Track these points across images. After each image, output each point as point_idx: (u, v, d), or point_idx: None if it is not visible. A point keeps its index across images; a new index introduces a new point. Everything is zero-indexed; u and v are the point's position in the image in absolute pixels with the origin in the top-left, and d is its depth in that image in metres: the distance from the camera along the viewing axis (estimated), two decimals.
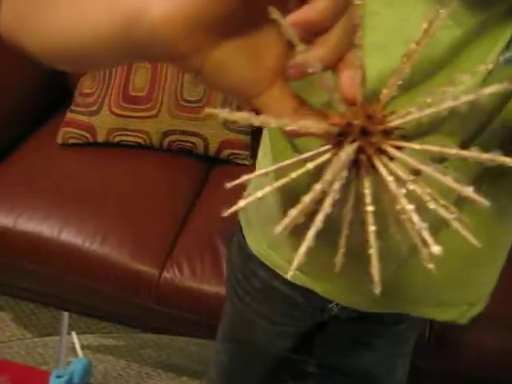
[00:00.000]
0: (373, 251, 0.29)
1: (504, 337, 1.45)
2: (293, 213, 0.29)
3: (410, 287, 0.75)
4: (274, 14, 0.29)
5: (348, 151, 0.29)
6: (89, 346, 1.05)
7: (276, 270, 0.80)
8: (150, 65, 1.75)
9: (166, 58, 0.32)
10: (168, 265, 1.52)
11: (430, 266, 0.27)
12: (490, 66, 0.31)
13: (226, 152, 1.76)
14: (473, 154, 0.28)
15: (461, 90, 0.50)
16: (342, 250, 0.33)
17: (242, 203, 0.30)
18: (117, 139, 1.77)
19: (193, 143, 1.76)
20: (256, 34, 0.31)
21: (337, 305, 0.82)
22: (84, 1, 0.33)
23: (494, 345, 1.45)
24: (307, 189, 0.30)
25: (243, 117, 0.30)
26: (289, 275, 0.29)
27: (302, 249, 0.29)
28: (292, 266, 0.29)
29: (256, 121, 0.30)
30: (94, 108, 1.76)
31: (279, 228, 0.29)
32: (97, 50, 0.33)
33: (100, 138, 1.77)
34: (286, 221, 0.29)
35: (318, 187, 0.29)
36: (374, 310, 0.80)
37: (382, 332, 0.89)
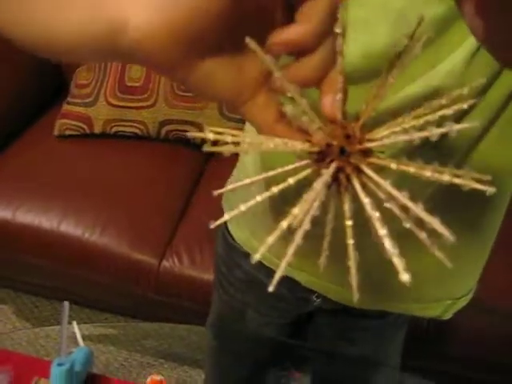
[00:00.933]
0: (351, 263, 0.29)
1: (501, 322, 1.46)
2: (270, 240, 0.29)
3: (389, 285, 0.74)
4: (251, 44, 0.29)
5: (323, 179, 0.30)
6: (90, 337, 1.05)
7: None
8: None
9: (150, 68, 0.32)
10: (167, 254, 1.53)
11: (405, 278, 0.27)
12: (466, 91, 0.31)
13: None
14: (446, 177, 0.28)
15: (446, 69, 0.50)
16: (325, 253, 0.34)
17: (226, 216, 0.30)
18: (114, 130, 1.77)
19: None
20: (239, 45, 0.31)
21: (318, 297, 0.82)
22: (68, 5, 0.34)
23: (492, 330, 1.46)
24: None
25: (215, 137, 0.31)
26: (255, 258, 0.29)
27: (282, 266, 0.29)
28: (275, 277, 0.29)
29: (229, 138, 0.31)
30: (90, 99, 1.75)
31: (255, 258, 0.29)
32: (80, 52, 0.34)
33: (97, 129, 1.76)
34: (263, 249, 0.29)
35: (295, 212, 0.29)
36: (354, 305, 0.79)
37: (368, 326, 0.88)
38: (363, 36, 0.50)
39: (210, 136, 0.31)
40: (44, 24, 0.35)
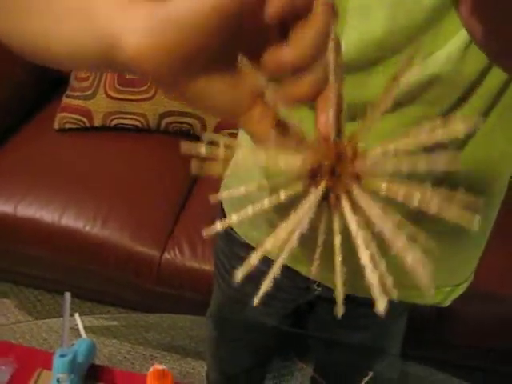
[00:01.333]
0: (338, 279, 0.31)
1: (500, 308, 1.47)
2: (253, 260, 0.31)
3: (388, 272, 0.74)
4: (244, 63, 0.30)
5: (311, 200, 0.30)
6: (93, 330, 1.05)
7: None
8: None
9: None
10: (169, 246, 1.53)
11: (381, 307, 0.27)
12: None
13: (224, 132, 1.75)
14: (433, 209, 0.29)
15: (444, 55, 0.50)
16: (317, 262, 0.34)
17: (219, 225, 0.31)
18: (114, 122, 1.77)
19: (190, 124, 1.76)
20: (233, 61, 0.31)
21: (318, 285, 0.82)
22: (64, 16, 0.35)
23: (491, 316, 1.47)
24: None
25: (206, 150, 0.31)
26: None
27: (276, 266, 0.30)
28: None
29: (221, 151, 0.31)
30: (89, 92, 1.75)
31: (239, 275, 0.31)
32: (77, 63, 0.36)
33: (97, 122, 1.76)
34: (247, 266, 0.31)
35: (279, 234, 0.30)
36: (354, 294, 0.79)
37: (369, 314, 0.88)
38: (359, 21, 0.49)
39: (202, 150, 0.31)
40: (42, 35, 0.36)
